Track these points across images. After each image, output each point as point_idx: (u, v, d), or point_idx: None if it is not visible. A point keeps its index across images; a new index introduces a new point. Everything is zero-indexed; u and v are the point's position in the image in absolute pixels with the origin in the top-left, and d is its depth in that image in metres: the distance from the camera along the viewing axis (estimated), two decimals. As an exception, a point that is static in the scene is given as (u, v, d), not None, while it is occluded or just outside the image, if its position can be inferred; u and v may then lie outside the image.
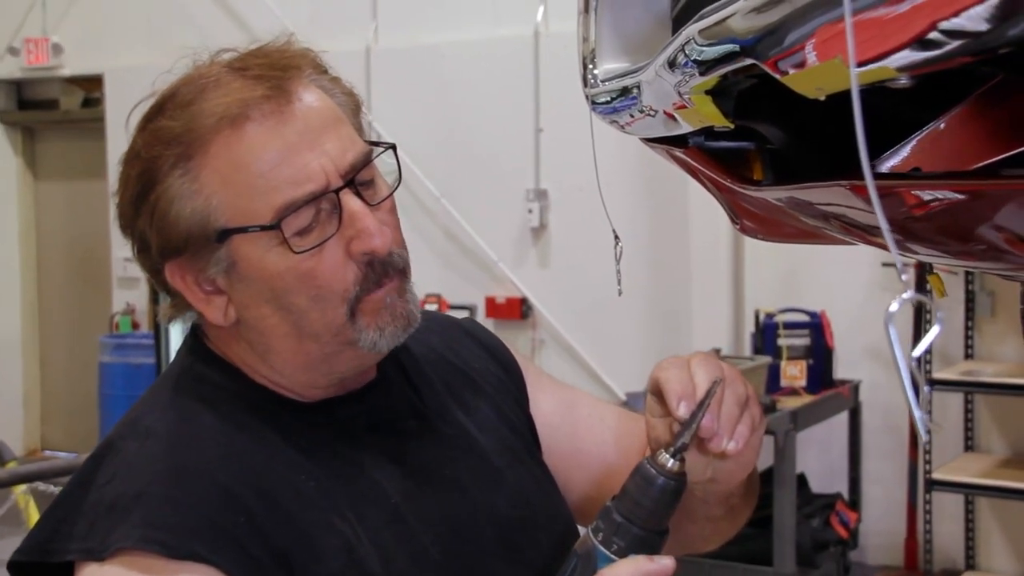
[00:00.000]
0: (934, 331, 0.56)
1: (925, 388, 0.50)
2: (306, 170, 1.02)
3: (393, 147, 1.11)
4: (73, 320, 7.00)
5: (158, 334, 5.62)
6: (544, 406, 1.30)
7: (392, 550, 1.05)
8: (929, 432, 0.53)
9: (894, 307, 0.54)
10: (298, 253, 1.02)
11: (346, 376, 1.11)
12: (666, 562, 0.99)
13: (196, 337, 1.14)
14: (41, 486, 3.59)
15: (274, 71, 1.04)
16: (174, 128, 1.03)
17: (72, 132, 7.00)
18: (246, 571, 0.97)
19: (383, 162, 1.12)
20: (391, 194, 1.10)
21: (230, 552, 0.97)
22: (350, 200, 1.04)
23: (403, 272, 1.09)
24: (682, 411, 1.02)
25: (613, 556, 1.00)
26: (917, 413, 0.52)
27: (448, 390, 1.21)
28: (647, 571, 0.99)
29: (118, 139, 6.72)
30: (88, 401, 6.22)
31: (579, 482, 1.28)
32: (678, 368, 1.05)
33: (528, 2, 5.21)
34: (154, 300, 5.77)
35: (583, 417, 1.32)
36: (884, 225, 0.56)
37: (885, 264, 4.38)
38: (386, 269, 1.06)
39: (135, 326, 6.37)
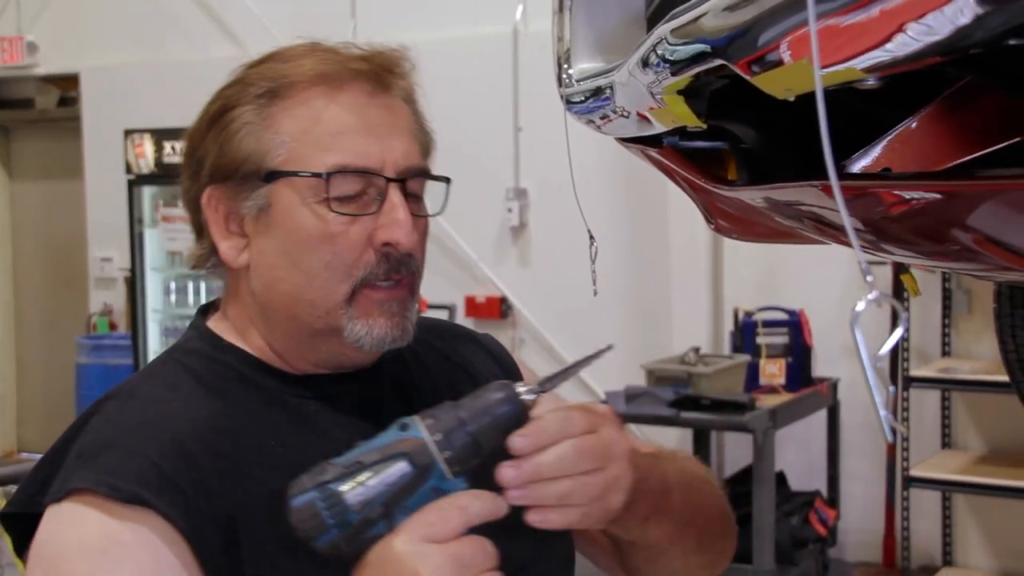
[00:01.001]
0: (899, 331, 0.56)
1: (890, 389, 0.50)
2: (369, 150, 1.08)
3: (448, 180, 1.17)
4: (49, 321, 6.95)
5: (135, 335, 5.60)
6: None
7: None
8: (895, 432, 0.53)
9: (860, 307, 0.54)
10: (333, 212, 1.07)
11: (330, 362, 1.13)
12: (502, 503, 0.96)
13: (200, 316, 1.20)
14: (14, 489, 3.56)
15: (383, 64, 1.12)
16: (276, 69, 1.10)
17: (48, 131, 6.95)
18: (187, 521, 0.99)
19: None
20: (429, 217, 1.15)
21: (174, 501, 1.00)
22: (394, 194, 1.09)
23: (412, 286, 1.12)
24: (516, 443, 0.97)
25: (448, 472, 0.95)
26: (882, 413, 0.51)
27: (449, 387, 1.22)
28: (496, 507, 0.95)
29: (94, 138, 6.68)
30: (65, 402, 6.18)
31: None
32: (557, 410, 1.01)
33: (507, 1, 5.20)
34: (131, 300, 5.75)
35: None
36: (848, 225, 0.55)
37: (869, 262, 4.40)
38: (399, 267, 1.10)
39: (112, 327, 6.33)
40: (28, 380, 7.06)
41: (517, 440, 0.96)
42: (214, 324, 1.18)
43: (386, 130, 1.10)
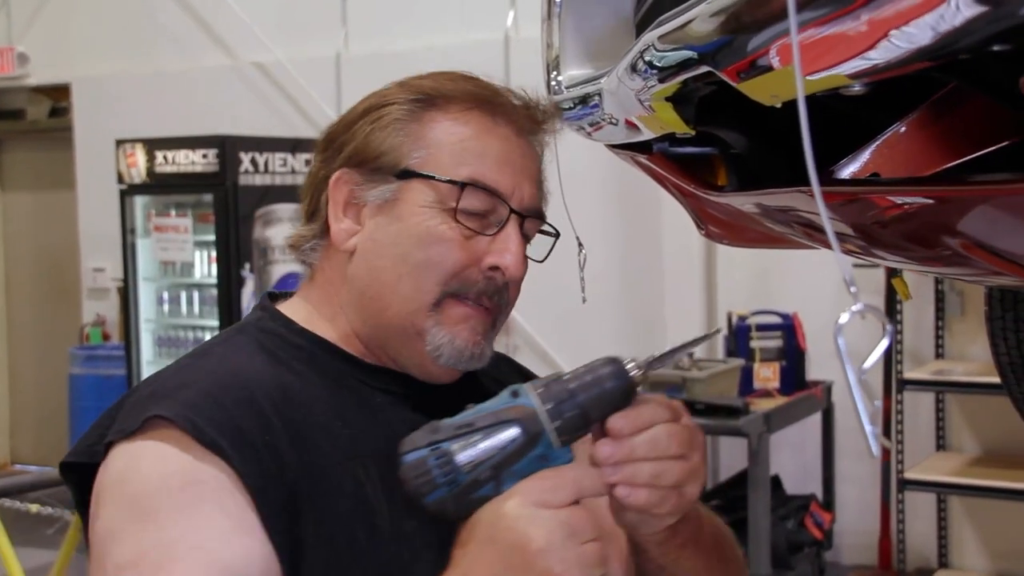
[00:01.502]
0: (883, 344, 0.56)
1: (876, 403, 0.50)
2: (503, 177, 1.15)
3: (557, 236, 1.24)
4: (42, 332, 6.94)
5: (129, 345, 5.58)
6: None
7: (402, 514, 1.08)
8: (885, 443, 0.52)
9: (844, 319, 0.54)
10: (457, 223, 1.12)
11: (406, 367, 1.16)
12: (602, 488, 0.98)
13: (270, 299, 1.23)
14: (7, 502, 3.54)
15: (536, 110, 1.20)
16: (430, 85, 1.17)
17: (39, 142, 6.94)
18: (256, 480, 1.01)
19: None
20: (535, 260, 1.21)
21: (247, 458, 1.02)
22: (513, 226, 1.15)
23: (496, 318, 1.17)
24: (616, 424, 0.99)
25: (556, 441, 0.97)
26: (868, 428, 0.51)
27: None
28: (605, 487, 0.97)
29: (86, 148, 6.67)
30: (58, 414, 6.16)
31: None
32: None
33: (498, 7, 5.20)
34: (124, 310, 5.73)
35: None
36: (830, 232, 0.55)
37: (857, 265, 4.40)
38: (492, 295, 1.14)
39: (106, 337, 6.32)
40: (21, 391, 7.04)
41: (617, 421, 0.98)
42: (286, 309, 1.21)
43: (522, 168, 1.17)
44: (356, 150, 1.16)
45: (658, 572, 1.17)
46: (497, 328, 1.18)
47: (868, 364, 0.51)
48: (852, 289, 0.54)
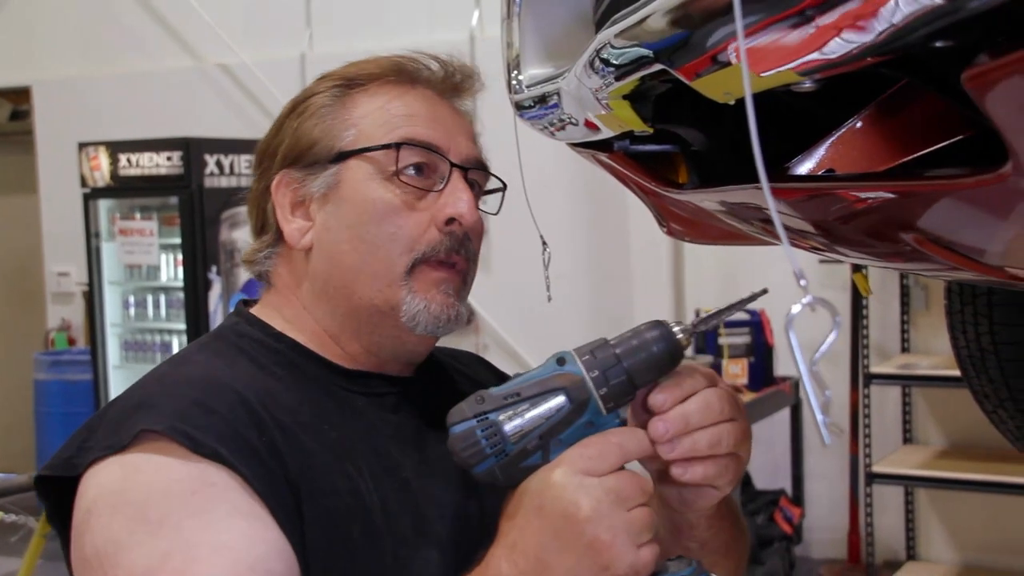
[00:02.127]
0: (832, 336, 0.56)
1: (827, 393, 0.50)
2: (435, 132, 1.16)
3: (504, 189, 1.26)
4: (6, 337, 6.86)
5: (95, 350, 5.53)
6: None
7: (397, 512, 1.08)
8: (834, 433, 0.52)
9: (795, 310, 0.54)
10: (401, 184, 1.12)
11: (384, 349, 1.16)
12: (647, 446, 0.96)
13: (243, 304, 1.23)
14: (-27, 510, 3.50)
15: (454, 75, 1.21)
16: (347, 70, 1.18)
17: (0, 146, 6.86)
18: (263, 484, 0.99)
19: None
20: (489, 214, 1.23)
21: (251, 463, 1.00)
22: (458, 178, 1.16)
23: (466, 275, 1.17)
24: (656, 400, 0.97)
25: (603, 408, 0.96)
26: (819, 417, 0.51)
27: None
28: (647, 447, 0.95)
29: (48, 152, 6.60)
30: (23, 420, 6.10)
31: None
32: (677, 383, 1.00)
33: (463, 6, 5.20)
34: (90, 314, 5.68)
35: None
36: (777, 223, 0.55)
37: (823, 261, 4.43)
38: (459, 247, 1.15)
39: (71, 342, 6.26)
40: (-15, 398, 6.97)
41: (659, 396, 0.96)
42: (260, 314, 1.20)
43: (453, 124, 1.19)
44: (288, 148, 1.17)
45: (699, 548, 1.15)
46: (468, 286, 1.18)
47: (818, 355, 0.51)
48: (802, 282, 0.55)
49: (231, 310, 1.25)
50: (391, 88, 1.17)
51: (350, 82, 1.17)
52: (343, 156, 1.14)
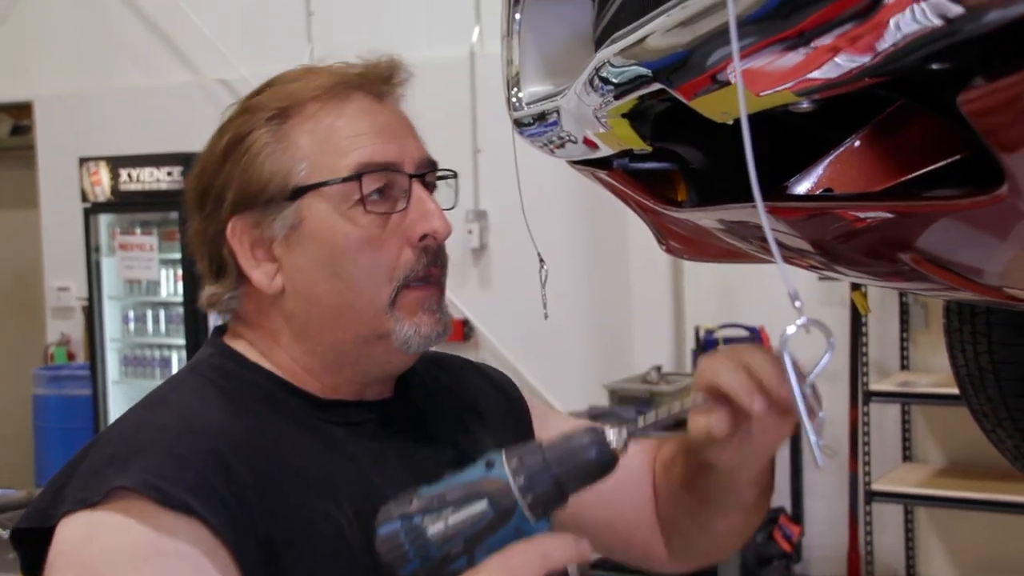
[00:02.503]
0: (826, 358, 0.56)
1: (821, 414, 0.51)
2: (387, 147, 1.12)
3: (455, 175, 1.21)
4: (5, 352, 6.85)
5: (94, 365, 5.53)
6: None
7: None
8: (830, 456, 0.53)
9: (790, 331, 0.54)
10: (368, 212, 1.09)
11: (371, 374, 1.15)
12: (586, 547, 0.97)
13: (218, 335, 1.19)
14: (-30, 524, 3.49)
15: (381, 75, 1.18)
16: (281, 91, 1.13)
17: (1, 160, 6.87)
18: (232, 533, 0.98)
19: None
20: (447, 208, 1.17)
21: (221, 513, 0.98)
22: (419, 188, 1.13)
23: (442, 283, 1.15)
24: (757, 406, 0.98)
25: (530, 516, 0.96)
26: (812, 439, 0.51)
27: (458, 420, 1.26)
28: (579, 553, 0.96)
29: (49, 167, 6.57)
30: (22, 435, 6.09)
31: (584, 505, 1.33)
32: (733, 366, 1.02)
33: (463, 23, 5.21)
34: (90, 330, 5.68)
35: None
36: (772, 243, 0.56)
37: (822, 278, 4.43)
38: (436, 259, 1.13)
39: (70, 357, 6.25)
40: (-16, 412, 6.96)
41: (757, 405, 0.97)
42: (233, 344, 1.17)
43: (397, 129, 1.15)
44: (238, 194, 1.11)
45: (739, 514, 1.21)
46: (445, 290, 1.16)
47: (812, 376, 0.51)
48: (797, 304, 0.55)
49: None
50: (327, 107, 1.12)
51: (284, 111, 1.11)
52: (300, 192, 1.10)
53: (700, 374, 1.04)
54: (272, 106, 1.12)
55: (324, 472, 1.08)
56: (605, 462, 0.97)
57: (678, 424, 3.91)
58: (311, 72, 1.15)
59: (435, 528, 0.96)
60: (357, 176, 1.09)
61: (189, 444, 1.03)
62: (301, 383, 1.14)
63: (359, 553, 1.04)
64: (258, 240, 1.11)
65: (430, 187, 1.16)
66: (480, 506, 0.95)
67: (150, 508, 0.97)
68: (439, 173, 1.19)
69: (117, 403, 5.51)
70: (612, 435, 0.97)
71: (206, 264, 1.17)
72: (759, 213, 0.56)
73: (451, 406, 1.27)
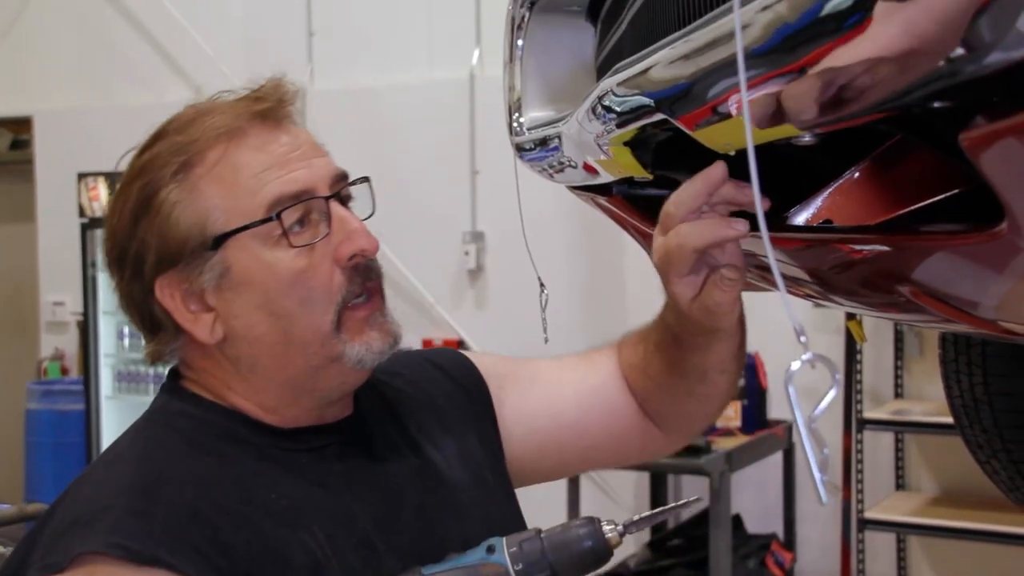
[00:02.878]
0: (831, 394, 0.57)
1: (826, 450, 0.51)
2: (295, 175, 1.10)
3: (368, 180, 1.20)
4: (-1, 366, 6.84)
5: (88, 380, 5.52)
6: (508, 410, 1.36)
7: (357, 572, 1.07)
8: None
9: (795, 367, 0.55)
10: (294, 247, 1.08)
11: (329, 397, 1.15)
12: None
13: (173, 379, 1.18)
14: (-40, 539, 3.47)
15: (273, 97, 1.14)
16: (177, 143, 1.10)
17: (0, 175, 6.88)
18: None
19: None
20: (366, 219, 1.17)
21: (194, 559, 0.98)
22: (338, 207, 1.12)
23: (382, 291, 1.15)
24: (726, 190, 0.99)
25: None
26: (817, 476, 0.52)
27: (419, 425, 1.26)
28: None
29: (47, 181, 6.57)
30: (14, 449, 6.06)
31: (553, 448, 1.37)
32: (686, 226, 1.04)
33: (464, 45, 5.24)
34: (84, 345, 5.67)
35: (542, 394, 1.39)
36: (778, 277, 0.56)
37: (818, 305, 4.44)
38: (369, 274, 1.12)
39: (64, 372, 6.24)
40: (-24, 426, 6.93)
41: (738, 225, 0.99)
42: (188, 386, 1.17)
43: (302, 153, 1.12)
44: (159, 255, 1.10)
45: (724, 376, 1.24)
46: (385, 299, 1.16)
47: (818, 412, 0.52)
48: (802, 339, 0.55)
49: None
50: (227, 150, 1.10)
51: (184, 161, 1.10)
52: (221, 240, 1.08)
53: (679, 249, 1.04)
54: (173, 160, 1.10)
55: (292, 502, 1.08)
56: (600, 553, 1.04)
57: (673, 534, 3.84)
58: (201, 115, 1.13)
59: None
60: (276, 216, 1.08)
61: (152, 498, 1.02)
62: (259, 417, 1.14)
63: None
64: (189, 293, 1.10)
65: (346, 200, 1.16)
66: None
67: (120, 569, 0.96)
68: (353, 182, 1.18)
69: (110, 418, 5.50)
70: (608, 528, 1.04)
71: (139, 323, 1.16)
72: (765, 246, 0.57)
73: (410, 410, 1.27)
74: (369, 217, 1.18)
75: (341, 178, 1.15)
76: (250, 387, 1.13)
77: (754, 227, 0.97)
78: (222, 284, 1.09)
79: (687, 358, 1.23)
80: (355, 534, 1.10)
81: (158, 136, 1.14)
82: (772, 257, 0.57)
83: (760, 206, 0.56)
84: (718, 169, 0.93)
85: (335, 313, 1.10)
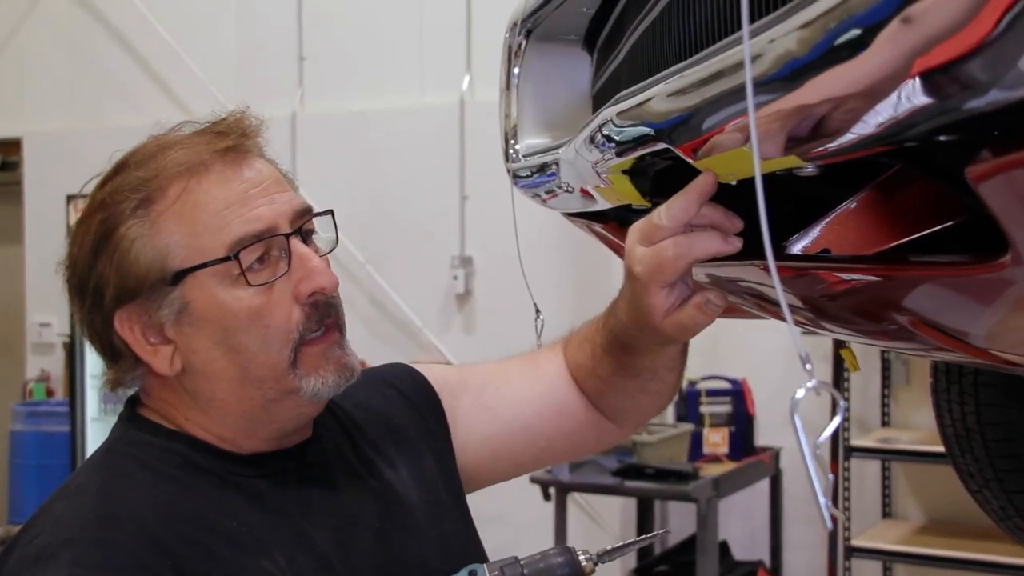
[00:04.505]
0: (836, 420, 0.57)
1: (829, 477, 0.52)
2: (257, 212, 1.10)
3: (332, 212, 1.20)
4: (-16, 387, 6.79)
5: (73, 401, 5.48)
6: (461, 420, 1.37)
7: None
8: (835, 520, 0.54)
9: (800, 394, 0.55)
10: (252, 286, 1.08)
11: (286, 428, 1.15)
12: None
13: (131, 407, 1.19)
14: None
15: (235, 132, 1.14)
16: (138, 177, 1.10)
17: (-12, 195, 6.86)
18: None
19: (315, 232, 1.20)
20: (329, 252, 1.17)
21: None
22: (298, 245, 1.12)
23: (340, 323, 1.15)
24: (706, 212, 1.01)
25: None
26: (822, 501, 0.52)
27: (375, 447, 1.27)
28: None
29: (36, 203, 6.55)
30: (-2, 471, 6.02)
31: (507, 453, 1.40)
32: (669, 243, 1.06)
33: (454, 70, 5.26)
34: (70, 366, 5.64)
35: (494, 402, 1.40)
36: (785, 308, 0.57)
37: (805, 333, 4.45)
38: (328, 311, 1.13)
39: (50, 393, 6.20)
40: (-41, 448, 6.88)
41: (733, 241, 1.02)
42: (146, 414, 1.17)
43: (263, 188, 1.12)
44: (118, 289, 1.10)
45: (674, 372, 1.29)
46: (344, 327, 1.16)
47: (822, 439, 0.53)
48: (807, 367, 0.56)
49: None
50: (189, 186, 1.09)
51: (145, 196, 1.09)
52: (180, 276, 1.09)
53: (675, 260, 1.05)
54: (133, 197, 1.09)
55: (252, 529, 1.09)
56: None
57: (659, 474, 3.88)
58: (163, 148, 1.12)
59: None
60: (235, 255, 1.08)
61: (114, 530, 1.02)
62: (216, 444, 1.14)
63: None
64: (148, 326, 1.11)
65: (308, 234, 1.16)
66: None
67: None
68: (316, 214, 1.18)
69: (95, 440, 5.46)
70: (583, 557, 1.10)
71: (100, 350, 1.16)
72: (772, 276, 0.58)
73: (366, 432, 1.29)
74: (332, 250, 1.18)
75: (304, 212, 1.15)
76: (208, 419, 1.14)
77: (754, 254, 0.98)
78: (181, 319, 1.10)
79: (638, 361, 1.27)
80: (315, 558, 1.10)
81: (119, 168, 1.13)
82: (778, 286, 0.58)
83: (767, 231, 0.56)
84: (708, 178, 0.94)
85: (291, 350, 1.10)
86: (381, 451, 1.27)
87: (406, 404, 1.35)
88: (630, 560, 4.58)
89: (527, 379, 1.41)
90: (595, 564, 1.10)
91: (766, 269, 0.98)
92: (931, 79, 0.50)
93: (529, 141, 1.53)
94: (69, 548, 1.00)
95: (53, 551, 1.00)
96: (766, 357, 4.60)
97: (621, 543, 1.13)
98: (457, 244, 5.23)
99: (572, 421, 1.39)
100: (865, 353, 4.44)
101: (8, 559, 1.03)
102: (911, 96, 0.53)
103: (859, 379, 4.52)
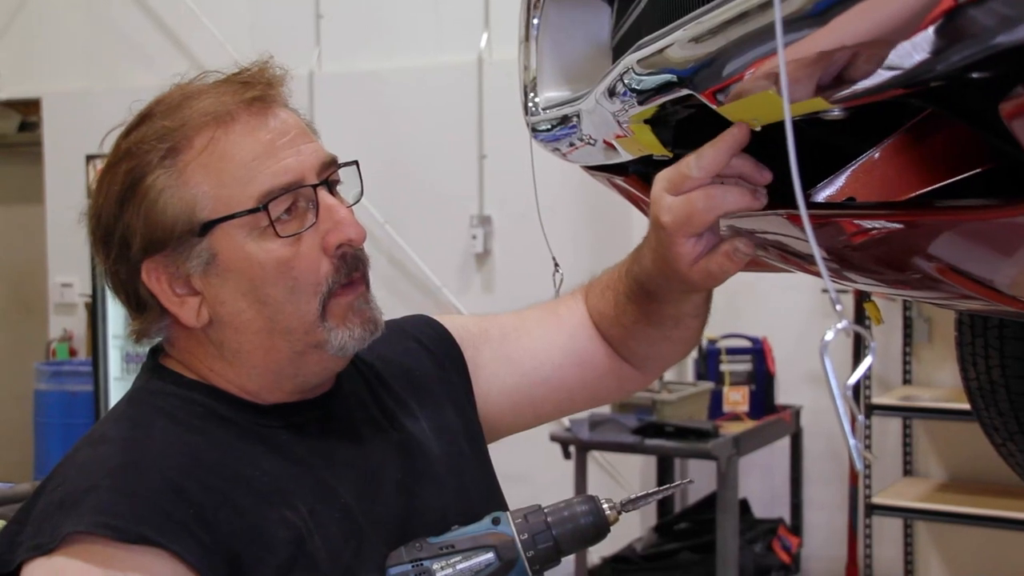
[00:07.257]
0: (868, 360, 0.57)
1: (860, 417, 0.51)
2: (285, 164, 1.09)
3: (356, 163, 1.18)
4: (7, 347, 6.85)
5: (96, 361, 5.52)
6: (483, 372, 1.37)
7: (340, 545, 1.08)
8: (867, 464, 0.53)
9: (829, 336, 0.54)
10: (281, 237, 1.08)
11: (310, 382, 1.16)
12: None
13: (154, 358, 1.19)
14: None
15: (260, 82, 1.13)
16: (164, 127, 1.09)
17: (8, 156, 6.88)
18: (196, 557, 0.99)
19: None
20: (355, 204, 1.17)
21: (180, 537, 0.99)
22: (326, 196, 1.12)
23: (366, 278, 1.15)
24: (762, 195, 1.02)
25: (529, 570, 1.07)
26: (852, 442, 0.52)
27: (396, 398, 1.27)
28: None
29: (55, 163, 6.58)
30: (23, 430, 6.08)
31: (528, 404, 1.40)
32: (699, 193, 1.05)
33: (471, 29, 5.22)
34: (92, 326, 5.68)
35: (515, 352, 1.40)
36: (818, 256, 0.56)
37: (825, 291, 4.43)
38: (356, 263, 1.13)
39: (72, 353, 6.25)
40: (-15, 408, 6.96)
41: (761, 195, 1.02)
42: (169, 364, 1.17)
43: (290, 139, 1.11)
44: (145, 239, 1.09)
45: (697, 319, 1.29)
46: (369, 286, 1.17)
47: (852, 380, 0.52)
48: (838, 307, 0.55)
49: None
50: (215, 136, 1.09)
51: (172, 146, 1.09)
52: (208, 227, 1.08)
53: (705, 212, 1.05)
54: (159, 146, 1.09)
55: (274, 478, 1.09)
56: (599, 528, 1.10)
57: (679, 432, 3.89)
58: (188, 98, 1.11)
59: (444, 573, 1.06)
60: (264, 207, 1.08)
61: (136, 477, 1.03)
62: (239, 395, 1.15)
63: (317, 552, 1.06)
64: (175, 277, 1.11)
65: (335, 184, 1.16)
66: (487, 556, 1.07)
67: (109, 548, 0.97)
68: (342, 165, 1.17)
69: (118, 399, 5.51)
70: (606, 505, 1.10)
71: (125, 302, 1.16)
72: (803, 223, 0.56)
73: (388, 383, 1.29)
74: (357, 202, 1.18)
75: (330, 163, 1.14)
76: (233, 370, 1.14)
77: (779, 204, 0.97)
78: (209, 270, 1.10)
79: (662, 309, 1.26)
80: (336, 508, 1.11)
81: (144, 118, 1.12)
82: (810, 232, 0.57)
83: (796, 176, 0.55)
84: (741, 129, 0.93)
85: (320, 301, 1.11)
86: (402, 402, 1.27)
87: (427, 355, 1.35)
88: (650, 517, 4.60)
89: (548, 329, 1.40)
90: (619, 512, 1.10)
91: (791, 218, 0.97)
92: (965, 11, 0.49)
93: (549, 94, 1.51)
94: (92, 495, 1.00)
95: (76, 498, 1.01)
96: (786, 316, 4.58)
97: (644, 492, 1.13)
98: (476, 203, 5.22)
99: (594, 370, 1.39)
100: (887, 311, 4.42)
101: (34, 506, 1.04)
102: (945, 30, 0.52)
103: (881, 337, 4.50)
